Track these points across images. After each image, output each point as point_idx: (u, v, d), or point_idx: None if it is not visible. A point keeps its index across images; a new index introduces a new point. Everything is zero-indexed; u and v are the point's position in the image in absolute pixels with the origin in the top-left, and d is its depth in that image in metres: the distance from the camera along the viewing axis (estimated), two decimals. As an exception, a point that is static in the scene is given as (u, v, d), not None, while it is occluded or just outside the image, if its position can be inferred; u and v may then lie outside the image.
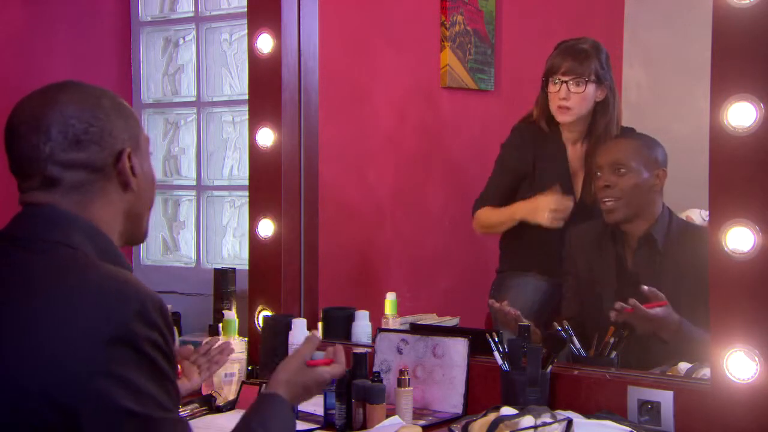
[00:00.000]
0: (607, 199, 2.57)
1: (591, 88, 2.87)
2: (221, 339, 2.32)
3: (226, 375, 2.45)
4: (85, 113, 1.44)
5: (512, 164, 3.02)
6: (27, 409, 1.28)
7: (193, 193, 3.37)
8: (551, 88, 2.90)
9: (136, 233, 1.56)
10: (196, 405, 2.32)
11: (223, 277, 2.86)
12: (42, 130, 1.42)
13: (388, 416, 2.14)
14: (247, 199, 2.77)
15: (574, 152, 2.98)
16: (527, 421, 1.92)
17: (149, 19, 3.45)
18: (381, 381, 2.17)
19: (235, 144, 3.30)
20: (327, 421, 2.18)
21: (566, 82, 2.86)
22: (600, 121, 2.91)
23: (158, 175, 3.44)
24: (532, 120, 3.02)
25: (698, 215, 2.84)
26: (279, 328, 2.56)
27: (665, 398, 2.04)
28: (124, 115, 1.50)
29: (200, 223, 3.34)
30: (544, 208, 2.86)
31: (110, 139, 1.46)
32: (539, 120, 2.98)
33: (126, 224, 1.52)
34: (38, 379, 1.28)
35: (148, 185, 1.54)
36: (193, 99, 3.36)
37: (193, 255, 3.37)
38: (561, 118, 2.92)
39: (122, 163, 1.47)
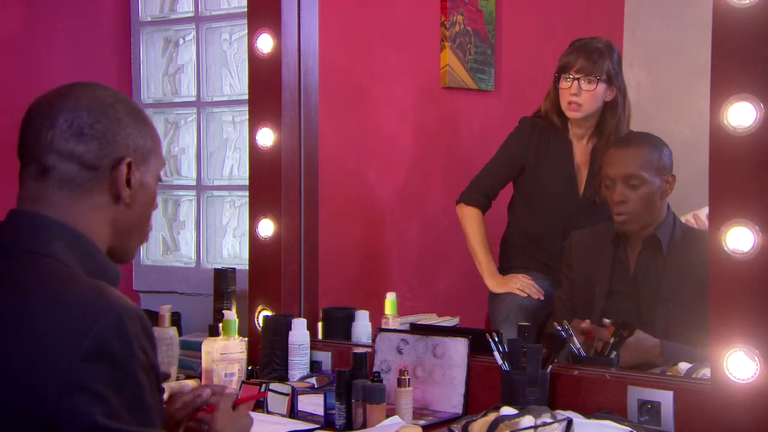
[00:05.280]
0: (621, 214, 2.57)
1: (602, 87, 2.90)
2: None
3: (225, 375, 2.45)
4: (97, 110, 1.43)
5: (514, 153, 3.05)
6: (2, 422, 1.26)
7: (193, 193, 3.37)
8: (563, 85, 2.93)
9: (120, 251, 1.51)
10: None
11: (223, 277, 2.86)
12: (50, 116, 1.42)
13: (388, 416, 2.14)
14: (247, 199, 2.77)
15: (580, 147, 3.00)
16: (527, 421, 1.92)
17: (149, 19, 3.45)
18: (381, 381, 2.17)
19: (235, 144, 3.30)
20: (327, 421, 2.18)
21: (578, 79, 2.89)
22: (609, 122, 2.94)
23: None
24: (540, 114, 3.04)
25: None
26: (279, 328, 2.56)
27: (665, 398, 2.04)
28: (140, 126, 1.48)
29: (200, 223, 3.34)
30: (512, 285, 2.98)
31: (113, 142, 1.44)
32: (549, 114, 3.00)
33: (112, 236, 1.48)
34: (14, 393, 1.26)
35: (144, 203, 1.50)
36: (193, 99, 3.36)
37: (193, 255, 3.37)
38: (571, 114, 2.94)
39: (118, 171, 1.45)
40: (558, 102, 2.97)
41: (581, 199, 2.98)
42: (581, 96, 2.90)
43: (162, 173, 1.56)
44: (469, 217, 3.07)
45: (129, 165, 1.46)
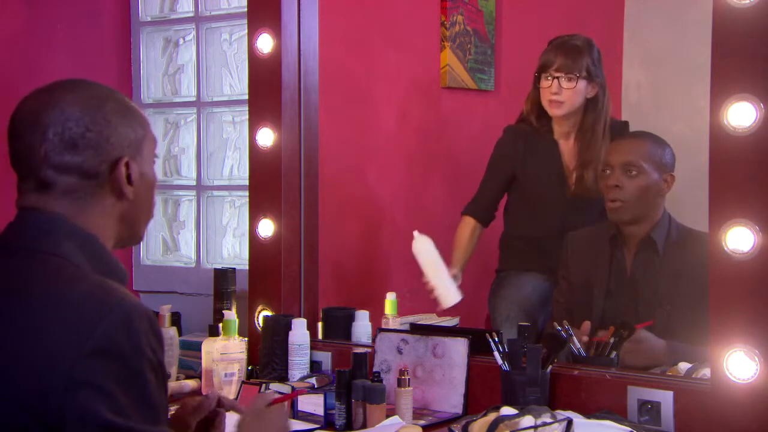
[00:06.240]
0: (614, 199, 2.56)
1: (582, 84, 2.93)
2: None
3: (226, 375, 2.45)
4: (85, 117, 1.42)
5: (503, 163, 3.09)
6: (8, 420, 1.26)
7: (193, 193, 3.37)
8: (543, 84, 2.96)
9: (131, 237, 1.53)
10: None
11: (223, 277, 2.86)
12: (39, 130, 1.41)
13: (388, 416, 2.14)
14: (247, 199, 2.77)
15: (566, 146, 3.03)
16: (527, 421, 1.92)
17: (149, 19, 3.45)
18: (381, 381, 2.17)
19: (235, 144, 3.30)
20: (327, 421, 2.18)
21: (558, 77, 2.91)
22: (588, 117, 2.96)
23: (158, 175, 3.43)
24: (523, 118, 3.06)
25: None
26: (279, 328, 2.56)
27: (665, 398, 2.04)
28: (128, 119, 1.47)
29: (200, 223, 3.34)
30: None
31: (108, 146, 1.43)
32: (530, 115, 3.03)
33: (121, 229, 1.49)
34: (20, 389, 1.26)
35: (146, 191, 1.51)
36: (193, 99, 3.35)
37: (193, 255, 3.37)
38: (553, 111, 2.98)
39: (118, 172, 1.45)
40: (539, 101, 3.00)
41: (573, 198, 3.00)
42: (562, 94, 2.93)
43: (157, 150, 1.56)
44: (460, 226, 3.13)
45: (127, 163, 1.46)
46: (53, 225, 1.41)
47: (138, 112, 1.51)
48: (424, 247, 2.88)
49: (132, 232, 1.52)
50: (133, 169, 1.47)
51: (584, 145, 2.95)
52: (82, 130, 1.41)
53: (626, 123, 3.11)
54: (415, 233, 2.89)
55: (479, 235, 3.13)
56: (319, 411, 2.21)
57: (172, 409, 2.17)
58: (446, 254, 3.54)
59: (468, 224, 3.12)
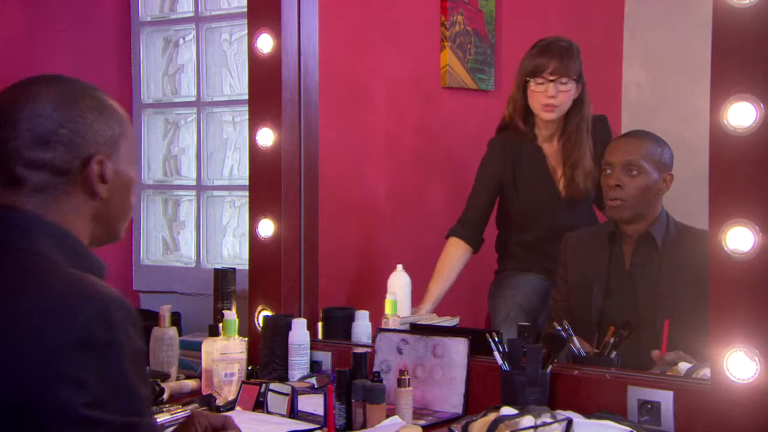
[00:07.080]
0: (615, 198, 2.56)
1: (574, 85, 2.92)
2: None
3: (226, 375, 2.45)
4: (58, 112, 1.40)
5: (491, 175, 3.04)
6: None
7: (193, 193, 3.37)
8: (536, 88, 2.93)
9: (108, 236, 1.51)
10: (196, 405, 2.32)
11: (223, 277, 2.86)
12: (11, 125, 1.39)
13: (388, 416, 2.14)
14: (247, 199, 2.77)
15: (551, 149, 3.02)
16: (527, 421, 1.92)
17: (149, 19, 3.45)
18: (381, 381, 2.17)
19: (235, 144, 3.30)
20: (327, 420, 2.18)
21: (554, 81, 2.88)
22: (573, 118, 2.95)
23: (158, 175, 3.44)
24: (504, 125, 3.04)
25: None
26: (279, 328, 2.56)
27: (665, 398, 2.04)
28: (105, 116, 1.45)
29: (200, 223, 3.34)
30: None
31: (81, 142, 1.41)
32: (515, 120, 2.99)
33: (95, 228, 1.47)
34: (2, 386, 1.25)
35: (122, 190, 1.49)
36: (193, 99, 3.36)
37: (193, 255, 3.37)
38: (546, 116, 2.95)
39: (89, 170, 1.42)
40: (524, 106, 2.97)
41: (564, 199, 2.99)
42: (558, 97, 2.91)
43: (136, 150, 1.54)
44: (447, 249, 3.04)
45: (100, 162, 1.43)
46: (29, 222, 1.39)
47: (116, 109, 1.48)
48: (397, 283, 2.84)
49: (108, 232, 1.50)
50: (107, 167, 1.44)
51: (570, 147, 2.95)
52: (55, 126, 1.40)
53: (604, 117, 3.08)
54: (399, 267, 2.86)
55: (466, 262, 3.03)
56: (319, 411, 2.21)
57: (173, 409, 2.18)
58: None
59: (456, 247, 3.02)
